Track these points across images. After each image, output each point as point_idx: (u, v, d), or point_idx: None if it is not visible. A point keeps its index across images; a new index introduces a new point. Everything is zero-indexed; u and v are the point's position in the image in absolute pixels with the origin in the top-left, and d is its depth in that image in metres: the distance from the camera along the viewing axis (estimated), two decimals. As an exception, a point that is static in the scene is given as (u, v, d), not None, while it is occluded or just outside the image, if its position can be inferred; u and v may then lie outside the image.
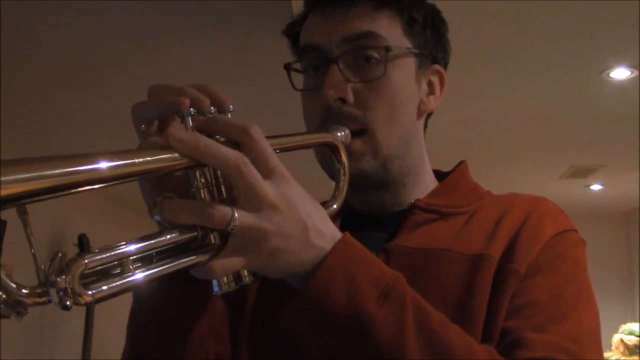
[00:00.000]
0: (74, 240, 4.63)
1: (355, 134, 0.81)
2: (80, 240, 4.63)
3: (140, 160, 0.54)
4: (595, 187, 5.53)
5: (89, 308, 4.51)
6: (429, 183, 0.92)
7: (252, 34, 2.55)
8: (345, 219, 0.89)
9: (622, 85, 3.10)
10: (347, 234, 0.66)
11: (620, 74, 2.99)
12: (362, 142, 0.82)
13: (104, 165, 0.51)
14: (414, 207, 0.86)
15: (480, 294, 0.75)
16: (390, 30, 0.83)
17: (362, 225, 0.87)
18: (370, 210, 0.90)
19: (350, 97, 0.81)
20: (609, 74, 2.99)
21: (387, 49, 0.81)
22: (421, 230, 0.84)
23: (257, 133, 0.60)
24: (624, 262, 6.74)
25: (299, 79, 0.89)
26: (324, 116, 0.82)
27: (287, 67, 0.88)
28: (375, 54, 0.82)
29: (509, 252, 0.78)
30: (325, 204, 0.74)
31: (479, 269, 0.77)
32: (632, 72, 2.97)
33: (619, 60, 2.87)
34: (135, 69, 2.94)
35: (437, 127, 3.48)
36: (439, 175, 0.95)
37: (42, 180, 0.47)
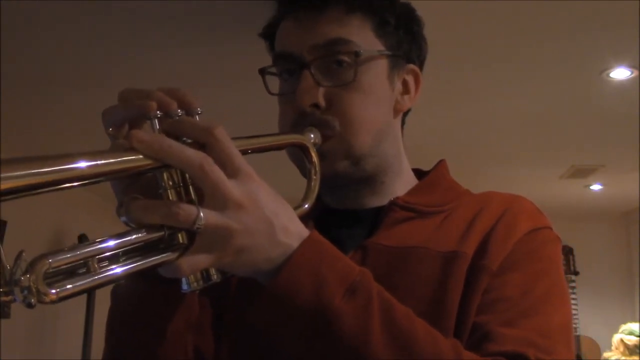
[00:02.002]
0: (74, 240, 4.63)
1: (326, 137, 0.83)
2: (80, 240, 4.63)
3: (103, 162, 0.55)
4: (595, 187, 5.52)
5: (89, 308, 4.51)
6: (409, 180, 0.93)
7: (250, 34, 2.55)
8: (321, 217, 0.90)
9: (622, 85, 3.10)
10: (315, 231, 0.67)
11: (620, 74, 2.99)
12: (333, 143, 0.83)
13: (82, 164, 0.53)
14: (393, 204, 0.87)
15: (453, 291, 0.77)
16: (360, 34, 0.85)
17: (339, 223, 0.89)
18: (348, 207, 0.91)
19: (322, 102, 0.83)
20: (609, 74, 2.99)
21: (357, 53, 0.83)
22: (399, 228, 0.85)
23: (221, 133, 0.61)
24: (624, 262, 6.74)
25: (274, 84, 0.91)
26: (296, 120, 0.84)
27: (262, 71, 0.90)
28: (346, 58, 0.84)
29: (482, 249, 0.80)
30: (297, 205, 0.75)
31: (453, 266, 0.79)
32: (632, 72, 2.97)
33: (619, 60, 2.87)
34: (135, 69, 2.94)
35: (437, 127, 3.45)
36: (419, 173, 0.97)
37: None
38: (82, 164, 0.53)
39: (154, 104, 0.62)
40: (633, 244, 6.51)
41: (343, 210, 0.91)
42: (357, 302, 0.63)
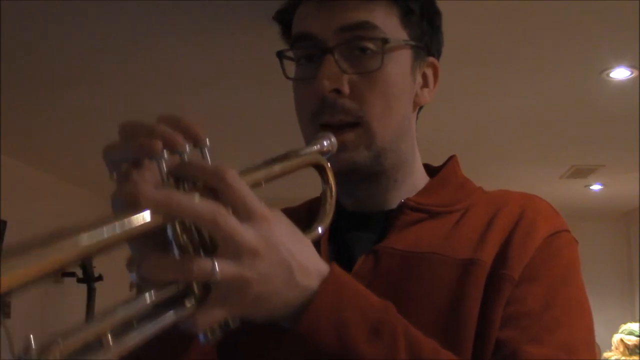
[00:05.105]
0: (74, 240, 4.63)
1: (348, 126, 0.80)
2: (80, 240, 4.63)
3: (112, 232, 0.52)
4: (595, 187, 5.53)
5: (90, 309, 4.51)
6: (420, 178, 0.91)
7: (253, 30, 2.55)
8: (335, 217, 0.87)
9: (622, 85, 3.10)
10: (334, 266, 0.64)
11: (620, 74, 2.99)
12: (356, 134, 0.80)
13: (78, 243, 0.49)
14: (404, 206, 0.84)
15: (471, 300, 0.75)
16: (386, 21, 0.81)
17: (351, 224, 0.87)
18: (360, 204, 0.88)
19: (346, 89, 0.80)
20: (609, 74, 2.99)
21: (385, 40, 0.80)
22: (411, 231, 0.83)
23: (232, 177, 0.57)
24: (624, 262, 6.74)
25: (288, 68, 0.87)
26: (317, 107, 0.80)
27: (280, 54, 0.86)
28: (372, 45, 0.80)
29: (502, 257, 0.77)
30: (310, 227, 0.72)
31: (470, 275, 0.76)
32: (632, 72, 2.97)
33: (619, 60, 2.87)
34: (135, 67, 2.94)
35: (438, 126, 3.46)
36: (429, 169, 0.94)
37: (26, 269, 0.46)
38: (86, 241, 0.50)
39: (159, 144, 0.58)
40: (633, 244, 6.51)
41: (355, 212, 0.88)
42: (382, 343, 0.61)
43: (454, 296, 0.75)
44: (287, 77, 0.86)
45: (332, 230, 0.84)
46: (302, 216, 0.91)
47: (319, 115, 0.80)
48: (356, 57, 0.80)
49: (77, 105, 3.41)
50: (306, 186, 0.78)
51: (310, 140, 0.79)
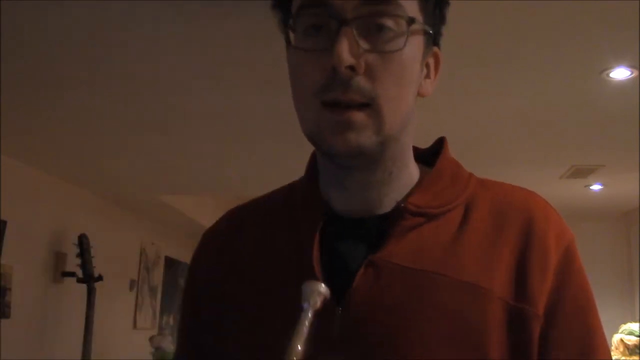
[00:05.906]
0: (74, 240, 4.63)
1: (359, 106, 0.74)
2: (80, 240, 4.63)
3: None
4: (595, 187, 5.52)
5: (90, 307, 4.51)
6: (414, 173, 0.86)
7: (253, 30, 2.55)
8: (328, 223, 0.83)
9: (622, 85, 3.10)
10: None
11: (620, 74, 2.99)
12: (367, 115, 0.74)
13: None
14: (404, 211, 0.80)
15: (494, 338, 0.75)
16: (408, 2, 0.76)
17: (344, 230, 0.82)
18: (352, 210, 0.83)
19: (362, 66, 0.74)
20: (609, 74, 2.99)
21: (412, 20, 0.75)
22: (409, 239, 0.79)
23: None
24: (624, 262, 6.73)
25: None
26: (326, 81, 0.74)
27: (285, 22, 0.79)
28: (391, 23, 0.74)
29: (521, 289, 0.77)
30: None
31: (475, 302, 0.75)
32: (632, 72, 2.97)
33: (619, 60, 2.86)
34: (135, 67, 2.93)
35: (438, 126, 3.47)
36: (417, 154, 0.89)
37: None
38: None
39: None
40: (633, 244, 6.50)
41: (348, 217, 0.83)
42: None
43: (462, 325, 0.74)
44: (292, 46, 0.79)
45: (323, 237, 0.81)
46: (279, 207, 0.89)
47: (327, 91, 0.74)
48: (373, 35, 0.75)
49: (77, 106, 3.40)
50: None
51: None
